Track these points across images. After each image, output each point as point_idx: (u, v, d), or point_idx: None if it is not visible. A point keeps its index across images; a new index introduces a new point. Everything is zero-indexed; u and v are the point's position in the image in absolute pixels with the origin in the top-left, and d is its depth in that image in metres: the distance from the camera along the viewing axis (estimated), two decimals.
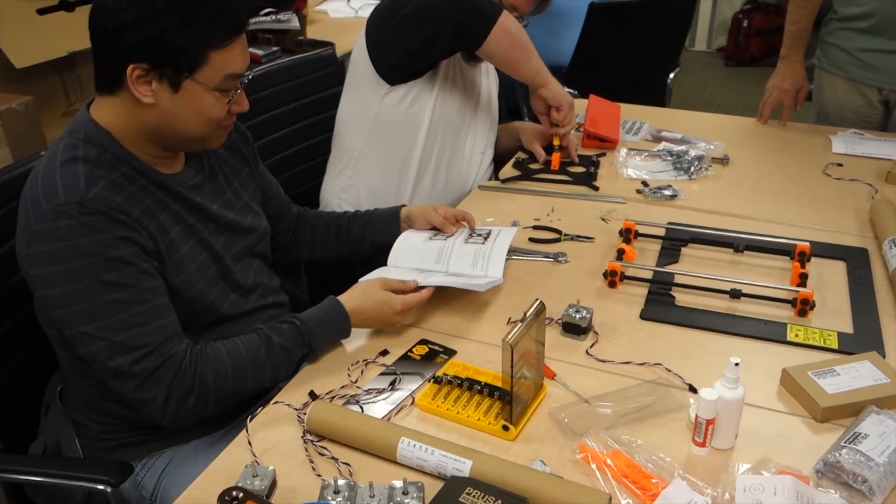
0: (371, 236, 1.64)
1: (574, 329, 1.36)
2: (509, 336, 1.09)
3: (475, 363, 1.30)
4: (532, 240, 1.70)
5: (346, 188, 1.99)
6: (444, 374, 1.24)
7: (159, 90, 1.18)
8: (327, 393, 1.23)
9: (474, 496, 0.97)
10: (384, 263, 1.58)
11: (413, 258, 1.55)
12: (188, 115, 1.22)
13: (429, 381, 1.24)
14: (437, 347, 1.34)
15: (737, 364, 1.06)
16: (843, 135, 2.16)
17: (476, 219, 1.64)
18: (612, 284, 1.51)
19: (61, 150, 1.20)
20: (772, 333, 1.36)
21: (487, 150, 2.12)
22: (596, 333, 1.37)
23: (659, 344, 1.35)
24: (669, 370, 1.27)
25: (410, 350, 1.34)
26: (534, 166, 2.07)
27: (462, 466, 1.04)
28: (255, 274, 1.44)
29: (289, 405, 1.20)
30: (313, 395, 1.22)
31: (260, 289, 1.44)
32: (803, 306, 1.40)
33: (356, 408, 1.20)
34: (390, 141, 1.94)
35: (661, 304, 1.45)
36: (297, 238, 1.66)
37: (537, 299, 1.18)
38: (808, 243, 1.54)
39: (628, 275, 1.52)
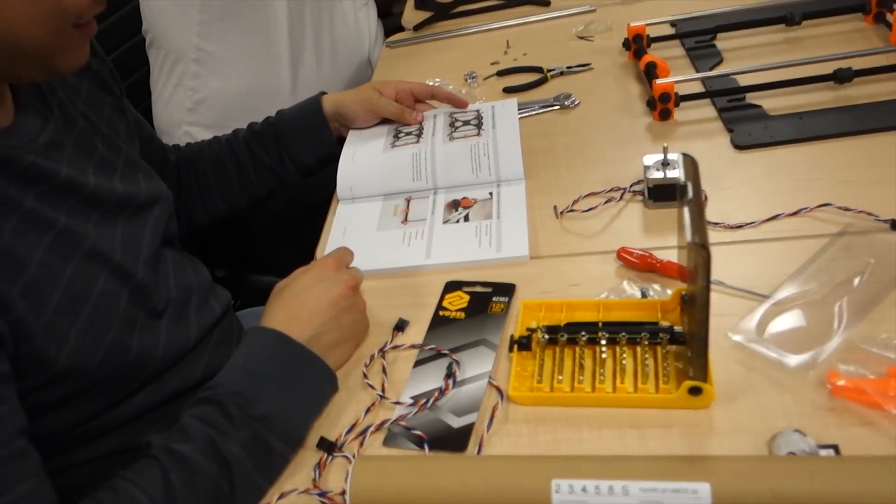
0: (292, 157, 1.04)
1: (668, 192, 0.86)
2: (690, 233, 0.58)
3: (555, 294, 0.78)
4: (507, 89, 1.16)
5: (192, 108, 1.34)
6: (531, 331, 0.71)
7: None
8: (348, 431, 0.68)
9: None
10: (322, 200, 1.02)
11: (377, 182, 0.98)
12: (16, 2, 0.60)
13: (511, 351, 0.71)
14: (482, 289, 0.81)
15: None
16: None
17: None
18: (664, 115, 1.02)
19: None
20: None
21: (370, 1, 1.52)
22: None
23: (789, 176, 0.88)
24: (847, 209, 0.81)
25: (441, 306, 0.79)
26: (443, 0, 1.50)
27: (695, 499, 0.54)
28: (177, 272, 0.82)
29: (303, 492, 0.64)
30: (327, 445, 0.66)
31: (195, 294, 0.83)
32: None
33: (414, 448, 0.66)
34: (239, 18, 1.29)
35: (750, 121, 0.98)
36: (181, 196, 1.04)
37: (684, 155, 0.66)
38: None
39: (683, 94, 1.02)
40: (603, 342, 0.68)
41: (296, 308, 0.74)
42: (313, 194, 1.33)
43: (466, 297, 0.80)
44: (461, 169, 0.95)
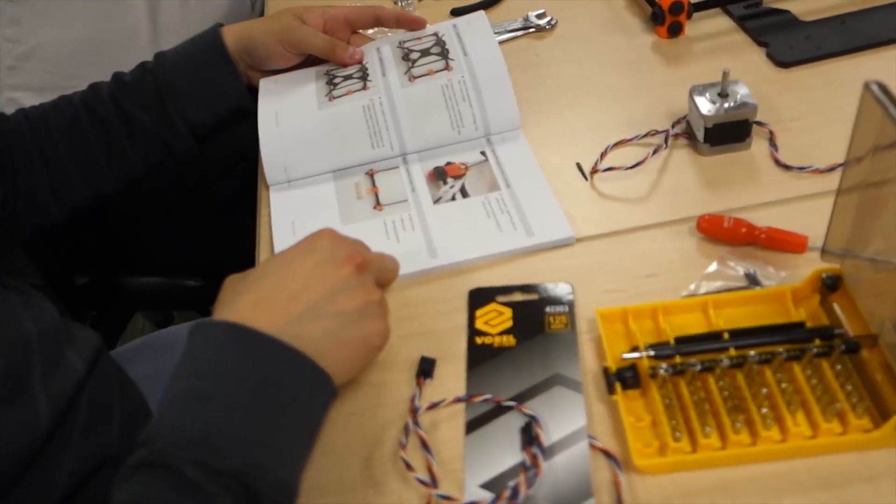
0: (186, 116, 0.73)
1: (730, 132, 0.65)
2: None
3: (629, 293, 0.56)
4: (456, 11, 0.90)
5: (14, 65, 0.98)
6: (629, 356, 0.49)
7: None
8: None
9: None
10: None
11: (321, 155, 0.70)
12: None
13: (612, 393, 0.49)
14: (523, 296, 0.57)
15: None
16: None
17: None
18: (674, 30, 0.80)
19: None
20: None
21: None
22: (759, 125, 0.68)
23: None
24: None
25: (475, 329, 0.55)
26: None
27: None
28: None
29: None
30: None
31: (36, 352, 0.55)
32: None
33: None
34: None
35: (780, 30, 0.78)
36: (18, 187, 0.71)
37: (872, 85, 0.44)
38: None
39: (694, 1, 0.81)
40: (754, 366, 0.47)
41: (270, 288, 0.48)
42: (202, 161, 1.04)
43: (507, 312, 0.56)
44: (436, 122, 0.69)
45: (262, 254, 0.66)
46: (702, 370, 0.48)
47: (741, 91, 0.65)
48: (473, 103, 0.70)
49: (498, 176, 0.66)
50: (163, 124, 0.73)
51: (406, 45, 0.76)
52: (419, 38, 0.76)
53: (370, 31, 0.85)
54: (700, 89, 0.66)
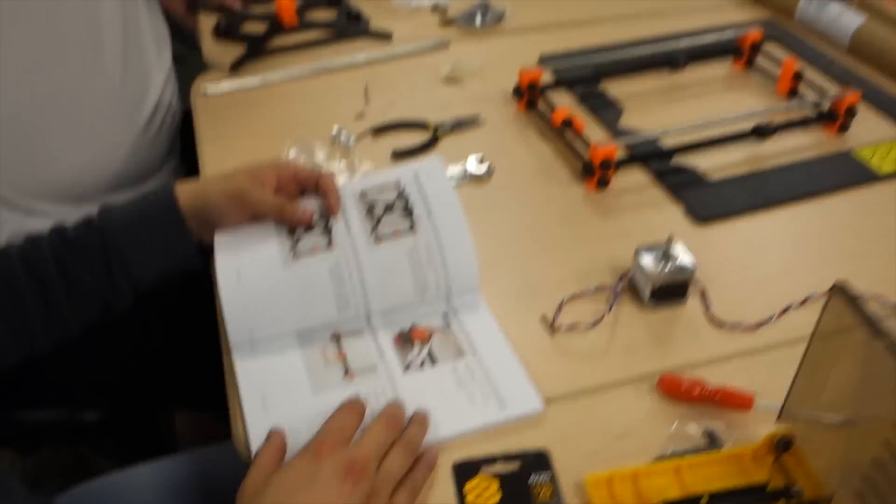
0: (130, 275, 0.71)
1: (676, 290, 0.73)
2: None
3: (605, 456, 0.60)
4: (399, 154, 0.93)
5: None
6: None
7: None
8: None
9: None
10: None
11: (287, 316, 0.70)
12: None
13: None
14: (505, 467, 0.60)
15: None
16: None
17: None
18: (602, 182, 0.88)
19: None
20: (856, 174, 0.90)
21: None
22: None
23: (767, 254, 0.80)
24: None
25: None
26: (250, 30, 1.20)
27: None
28: None
29: None
30: None
31: None
32: (847, 118, 0.96)
33: None
34: None
35: (691, 187, 0.88)
36: None
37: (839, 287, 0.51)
38: (758, 28, 1.08)
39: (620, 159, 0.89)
40: None
41: None
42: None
43: (495, 484, 0.58)
44: (401, 289, 0.71)
45: (239, 432, 0.64)
46: None
47: (681, 253, 0.73)
48: (438, 270, 0.72)
49: (462, 341, 0.69)
50: (106, 285, 0.70)
51: (369, 196, 0.76)
52: (381, 189, 0.77)
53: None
54: (645, 250, 0.73)
